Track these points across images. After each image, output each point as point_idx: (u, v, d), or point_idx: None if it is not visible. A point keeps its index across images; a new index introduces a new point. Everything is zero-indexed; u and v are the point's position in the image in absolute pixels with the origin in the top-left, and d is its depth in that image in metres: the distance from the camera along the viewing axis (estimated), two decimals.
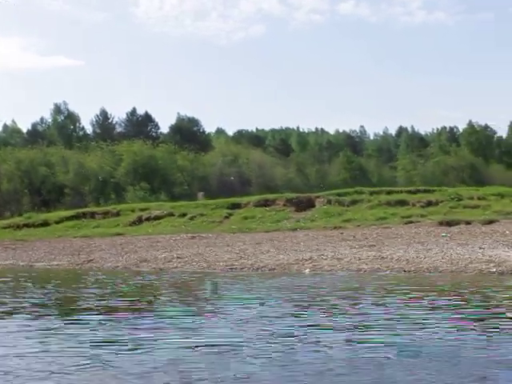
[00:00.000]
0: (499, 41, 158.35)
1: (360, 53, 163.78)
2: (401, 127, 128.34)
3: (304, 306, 11.96)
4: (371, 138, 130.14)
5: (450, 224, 28.73)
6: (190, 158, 70.43)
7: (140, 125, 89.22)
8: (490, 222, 28.60)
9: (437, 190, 35.85)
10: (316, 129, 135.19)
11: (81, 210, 41.19)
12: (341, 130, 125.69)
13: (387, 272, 16.60)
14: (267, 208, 36.33)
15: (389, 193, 35.84)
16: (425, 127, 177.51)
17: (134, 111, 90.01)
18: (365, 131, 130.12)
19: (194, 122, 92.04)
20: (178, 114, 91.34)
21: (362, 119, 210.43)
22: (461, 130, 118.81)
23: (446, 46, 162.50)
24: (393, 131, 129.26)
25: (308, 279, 16.06)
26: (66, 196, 63.59)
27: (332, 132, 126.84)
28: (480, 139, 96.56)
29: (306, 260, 19.29)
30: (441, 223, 29.01)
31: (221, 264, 19.98)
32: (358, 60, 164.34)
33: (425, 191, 35.65)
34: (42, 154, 66.64)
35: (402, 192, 35.82)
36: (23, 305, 13.42)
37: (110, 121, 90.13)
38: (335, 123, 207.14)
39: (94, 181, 65.44)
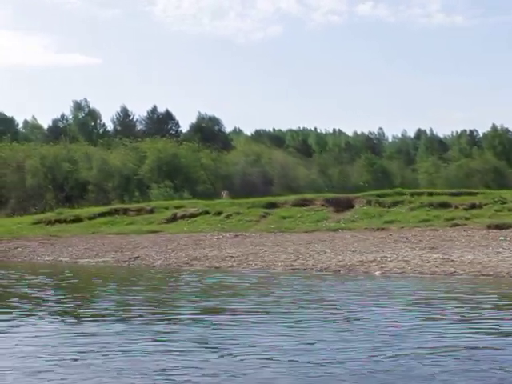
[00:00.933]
0: None
1: (377, 54, 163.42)
2: (419, 130, 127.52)
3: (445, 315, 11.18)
4: (389, 140, 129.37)
5: (499, 227, 27.98)
6: (214, 156, 69.92)
7: (160, 122, 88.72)
8: None
9: (480, 192, 35.09)
10: (334, 130, 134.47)
11: (113, 207, 40.60)
12: (359, 132, 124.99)
13: (464, 276, 15.93)
14: (305, 208, 35.62)
15: (430, 194, 35.07)
16: (443, 130, 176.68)
17: (154, 109, 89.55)
18: (383, 133, 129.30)
19: (214, 120, 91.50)
20: (199, 112, 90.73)
21: (380, 121, 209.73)
22: (480, 134, 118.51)
23: (465, 48, 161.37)
24: (411, 133, 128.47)
25: (393, 282, 15.38)
26: (90, 192, 63.07)
27: (350, 133, 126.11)
28: (503, 142, 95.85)
29: (371, 262, 18.65)
30: (489, 226, 28.26)
31: (279, 264, 19.38)
32: (374, 61, 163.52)
33: (468, 194, 34.84)
34: (66, 151, 66.11)
35: (444, 194, 35.02)
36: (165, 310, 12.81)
37: (130, 118, 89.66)
38: (353, 124, 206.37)
39: (117, 178, 64.91)
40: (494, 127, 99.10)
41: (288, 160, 77.63)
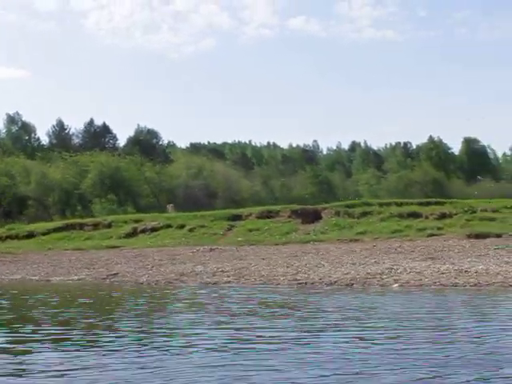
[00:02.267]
0: (445, 58, 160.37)
1: (309, 68, 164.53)
2: (354, 142, 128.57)
3: None
4: (324, 152, 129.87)
5: (479, 237, 27.60)
6: (157, 170, 68.52)
7: (97, 136, 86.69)
8: None
9: (448, 202, 34.74)
10: (268, 143, 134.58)
11: (68, 222, 38.88)
12: (294, 145, 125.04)
13: (491, 287, 15.14)
14: (271, 220, 34.68)
15: (399, 204, 34.57)
16: (377, 142, 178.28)
17: (91, 122, 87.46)
18: (318, 145, 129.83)
19: (152, 134, 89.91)
20: (138, 125, 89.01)
21: (314, 134, 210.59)
22: (414, 146, 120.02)
23: (396, 62, 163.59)
24: (346, 146, 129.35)
25: (437, 296, 14.39)
26: (29, 207, 60.90)
27: (285, 146, 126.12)
28: (440, 154, 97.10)
29: (380, 274, 17.71)
30: (469, 236, 27.85)
31: (281, 278, 18.26)
32: (307, 74, 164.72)
33: (436, 203, 34.47)
34: (3, 165, 63.57)
35: (412, 204, 34.56)
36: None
37: (66, 131, 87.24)
38: (287, 137, 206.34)
39: (57, 192, 62.82)
40: (430, 139, 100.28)
41: (230, 173, 76.68)
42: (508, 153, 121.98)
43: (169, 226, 35.25)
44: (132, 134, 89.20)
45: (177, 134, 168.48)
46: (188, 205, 58.90)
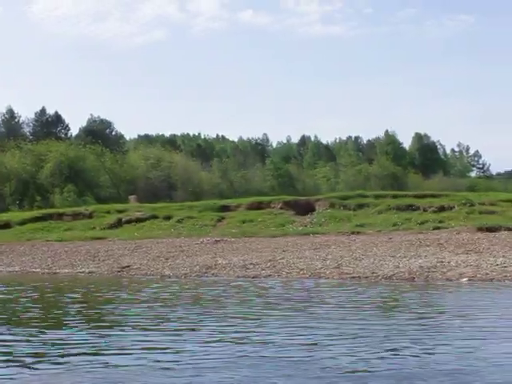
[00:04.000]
0: (391, 54, 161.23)
1: (258, 61, 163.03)
2: (304, 136, 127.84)
3: None
4: (274, 146, 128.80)
5: (490, 230, 26.85)
6: (118, 159, 66.55)
7: (49, 125, 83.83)
8: None
9: (444, 194, 34.04)
10: (217, 135, 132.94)
11: (46, 211, 36.95)
12: (245, 138, 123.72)
13: None
14: (263, 211, 33.45)
15: (394, 197, 33.71)
16: (327, 137, 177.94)
17: (43, 111, 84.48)
18: (267, 139, 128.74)
19: (106, 123, 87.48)
20: (91, 115, 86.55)
21: (263, 127, 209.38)
22: (365, 140, 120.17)
23: (343, 57, 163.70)
24: (295, 140, 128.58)
25: None
26: None
27: (234, 139, 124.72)
28: (396, 149, 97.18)
29: (434, 267, 16.65)
30: (480, 229, 27.05)
31: (327, 272, 17.04)
32: (256, 68, 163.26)
33: (432, 196, 33.73)
34: None
35: (407, 196, 33.75)
36: None
37: (16, 120, 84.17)
38: (236, 130, 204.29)
39: (14, 182, 60.32)
40: (386, 133, 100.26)
41: (189, 164, 75.04)
42: (456, 149, 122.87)
43: (155, 217, 33.70)
44: (84, 123, 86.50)
45: (125, 124, 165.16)
46: (148, 196, 57.32)
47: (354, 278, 16.15)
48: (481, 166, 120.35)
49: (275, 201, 34.43)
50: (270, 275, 17.25)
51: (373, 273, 16.45)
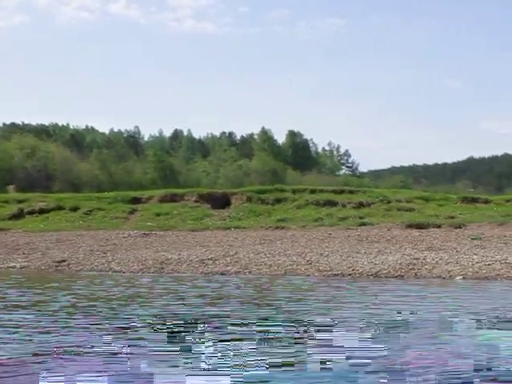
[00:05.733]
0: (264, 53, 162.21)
1: (128, 54, 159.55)
2: (176, 130, 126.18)
3: None
4: (145, 139, 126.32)
5: (419, 227, 26.60)
6: None
7: None
8: (458, 227, 26.88)
9: (361, 190, 33.72)
10: (86, 126, 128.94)
11: None
12: (116, 130, 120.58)
13: None
14: (178, 204, 31.96)
15: (312, 192, 33.03)
16: (199, 132, 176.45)
17: None
18: (139, 132, 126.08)
19: None
20: None
21: (135, 121, 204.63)
22: (238, 136, 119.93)
23: (215, 55, 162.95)
24: (168, 133, 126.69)
25: None
26: None
27: (104, 130, 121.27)
28: (272, 145, 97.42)
29: (412, 264, 15.94)
30: (410, 226, 26.78)
31: (302, 268, 16.00)
32: (126, 60, 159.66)
33: (350, 192, 33.34)
34: None
35: (325, 191, 33.17)
36: None
37: None
38: (105, 122, 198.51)
39: None
40: (264, 130, 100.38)
41: (67, 155, 72.13)
42: (326, 148, 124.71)
43: (60, 208, 31.50)
44: None
45: None
46: (26, 187, 54.42)
47: (335, 275, 15.19)
48: (350, 164, 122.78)
49: (189, 193, 32.99)
50: (238, 271, 16.04)
51: (353, 270, 15.53)
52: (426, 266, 15.64)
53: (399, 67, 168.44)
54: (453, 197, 33.93)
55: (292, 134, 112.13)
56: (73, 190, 55.23)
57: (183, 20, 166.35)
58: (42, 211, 31.12)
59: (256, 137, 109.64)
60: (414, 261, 16.44)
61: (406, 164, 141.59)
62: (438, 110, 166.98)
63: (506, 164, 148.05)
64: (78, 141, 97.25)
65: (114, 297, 12.27)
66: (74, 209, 31.36)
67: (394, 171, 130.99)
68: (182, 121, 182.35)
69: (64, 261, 18.76)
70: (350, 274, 15.13)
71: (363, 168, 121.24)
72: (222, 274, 15.76)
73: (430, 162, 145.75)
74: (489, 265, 15.61)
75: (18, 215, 30.72)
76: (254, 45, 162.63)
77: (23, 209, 31.17)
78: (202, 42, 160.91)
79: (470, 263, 15.88)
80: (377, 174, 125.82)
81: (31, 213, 30.97)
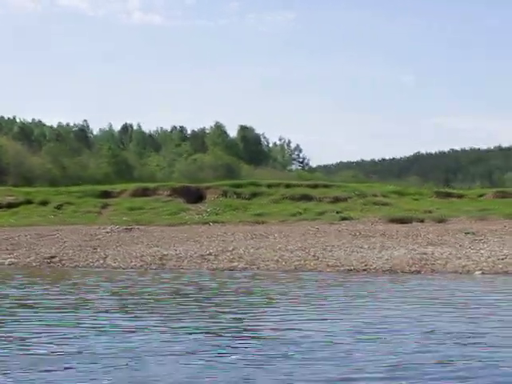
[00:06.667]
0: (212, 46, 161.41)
1: (77, 47, 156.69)
2: (126, 124, 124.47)
3: None
4: (94, 133, 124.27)
5: (403, 221, 26.45)
6: None
7: None
8: (441, 221, 26.82)
9: (335, 185, 33.43)
10: (33, 120, 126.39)
11: None
12: (64, 123, 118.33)
13: None
14: (150, 198, 31.21)
15: (287, 186, 32.62)
16: (149, 126, 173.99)
17: None
18: (88, 126, 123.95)
19: None
20: None
21: (83, 114, 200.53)
22: (189, 131, 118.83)
23: (163, 49, 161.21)
24: (117, 127, 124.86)
25: None
26: None
27: (52, 124, 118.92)
28: (225, 140, 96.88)
29: (423, 259, 15.61)
30: (392, 220, 26.58)
31: (312, 264, 15.52)
32: (72, 53, 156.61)
33: (324, 186, 33.02)
34: None
35: (298, 186, 32.80)
36: None
37: None
38: (52, 116, 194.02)
39: None
40: (217, 124, 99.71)
41: (19, 148, 70.37)
42: (278, 142, 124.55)
43: (29, 202, 30.49)
44: None
45: None
46: None
47: (349, 270, 14.74)
48: (301, 159, 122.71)
49: (161, 187, 32.24)
50: (245, 267, 15.48)
51: (366, 265, 15.11)
52: (439, 261, 15.32)
53: (349, 61, 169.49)
54: (426, 191, 33.86)
55: (243, 129, 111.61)
56: (26, 184, 53.82)
57: (132, 13, 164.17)
58: (10, 205, 30.08)
59: (208, 131, 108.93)
60: (424, 256, 16.10)
61: (353, 159, 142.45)
62: (387, 104, 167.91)
63: (453, 159, 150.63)
64: (27, 134, 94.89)
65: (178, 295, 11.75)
66: (44, 203, 30.43)
67: (341, 166, 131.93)
68: (131, 115, 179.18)
69: (54, 257, 17.94)
70: (364, 270, 14.69)
71: (313, 163, 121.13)
72: (231, 270, 15.17)
73: (378, 158, 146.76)
74: (502, 259, 15.35)
75: None
76: (204, 37, 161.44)
77: None
78: (151, 34, 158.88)
79: (482, 258, 15.64)
80: (326, 169, 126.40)
81: None
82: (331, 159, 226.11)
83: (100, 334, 8.17)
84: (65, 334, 8.14)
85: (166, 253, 17.75)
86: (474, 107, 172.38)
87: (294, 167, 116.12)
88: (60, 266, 16.69)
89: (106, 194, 31.90)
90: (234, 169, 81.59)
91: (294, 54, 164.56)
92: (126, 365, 6.39)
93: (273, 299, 11.41)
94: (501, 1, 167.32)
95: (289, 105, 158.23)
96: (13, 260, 17.77)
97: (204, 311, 10.08)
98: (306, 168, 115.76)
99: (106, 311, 10.08)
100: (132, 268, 15.83)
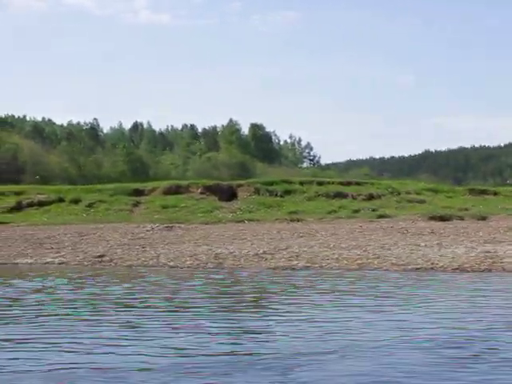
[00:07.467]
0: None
1: (83, 46, 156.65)
2: (136, 122, 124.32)
3: None
4: (105, 131, 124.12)
5: (443, 219, 26.08)
6: None
7: None
8: (481, 219, 26.45)
9: (367, 182, 33.11)
10: (43, 118, 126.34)
11: None
12: (75, 122, 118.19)
13: None
14: (183, 196, 30.92)
15: (320, 184, 32.29)
16: (159, 124, 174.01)
17: None
18: (98, 124, 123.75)
19: None
20: None
21: (93, 112, 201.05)
22: (200, 129, 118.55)
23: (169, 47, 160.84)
24: (128, 126, 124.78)
25: None
26: None
27: (62, 123, 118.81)
28: (239, 138, 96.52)
29: (489, 257, 15.25)
30: (432, 218, 26.23)
31: (375, 262, 15.13)
32: (80, 53, 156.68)
33: (356, 184, 32.68)
34: None
35: (331, 183, 32.47)
36: None
37: None
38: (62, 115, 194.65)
39: None
40: (231, 121, 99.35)
41: (36, 147, 70.19)
42: (288, 140, 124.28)
43: (61, 201, 30.20)
44: None
45: None
46: None
47: (417, 269, 14.36)
48: (312, 157, 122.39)
49: (194, 185, 31.93)
50: (307, 266, 15.09)
51: (432, 264, 14.74)
52: (506, 259, 14.94)
53: (349, 61, 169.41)
54: (459, 189, 33.55)
55: (255, 127, 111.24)
56: (42, 182, 53.60)
57: (139, 12, 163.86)
58: (41, 204, 29.79)
59: (219, 129, 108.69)
60: (487, 254, 15.75)
61: (362, 157, 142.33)
62: (387, 104, 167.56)
63: (463, 157, 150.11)
64: (40, 132, 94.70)
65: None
66: (75, 201, 30.13)
67: (350, 164, 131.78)
68: (140, 113, 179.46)
69: (103, 256, 17.62)
70: (432, 268, 14.29)
71: (322, 161, 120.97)
72: (293, 269, 14.81)
73: (387, 155, 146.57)
74: None
75: (17, 208, 29.33)
76: (204, 37, 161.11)
77: (21, 201, 29.76)
78: (155, 33, 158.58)
79: None
80: (336, 167, 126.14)
81: (30, 205, 29.61)
82: (339, 157, 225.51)
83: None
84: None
85: (219, 251, 17.43)
86: (474, 107, 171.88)
87: (304, 165, 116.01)
88: (113, 265, 16.33)
89: (138, 192, 31.58)
90: (248, 167, 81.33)
91: (294, 53, 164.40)
92: None
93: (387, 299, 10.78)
94: (501, 1, 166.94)
95: (289, 104, 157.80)
96: (62, 259, 17.45)
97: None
98: (317, 166, 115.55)
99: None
100: (189, 267, 15.46)
